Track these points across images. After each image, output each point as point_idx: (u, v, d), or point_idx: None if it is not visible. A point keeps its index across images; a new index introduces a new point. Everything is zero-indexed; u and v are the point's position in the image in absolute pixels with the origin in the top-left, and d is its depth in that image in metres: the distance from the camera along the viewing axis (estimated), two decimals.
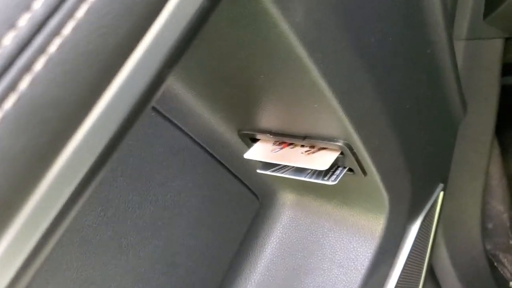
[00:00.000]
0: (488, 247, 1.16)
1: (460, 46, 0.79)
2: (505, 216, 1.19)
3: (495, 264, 1.14)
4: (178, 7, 0.20)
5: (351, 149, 0.41)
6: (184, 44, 0.20)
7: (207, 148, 0.46)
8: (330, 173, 0.45)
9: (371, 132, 0.40)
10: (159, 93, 0.21)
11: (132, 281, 0.42)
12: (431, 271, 0.97)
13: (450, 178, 0.93)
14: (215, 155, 0.46)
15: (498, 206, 1.19)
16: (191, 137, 0.43)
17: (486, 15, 0.76)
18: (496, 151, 1.20)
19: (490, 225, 1.19)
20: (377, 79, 0.38)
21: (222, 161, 0.47)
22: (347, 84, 0.35)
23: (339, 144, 0.41)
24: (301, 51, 0.30)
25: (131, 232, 0.41)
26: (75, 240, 0.37)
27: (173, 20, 0.20)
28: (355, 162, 0.43)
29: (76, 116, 0.17)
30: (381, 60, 0.37)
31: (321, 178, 0.44)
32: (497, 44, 0.79)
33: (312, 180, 0.44)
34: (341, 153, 0.43)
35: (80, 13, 0.17)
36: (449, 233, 0.96)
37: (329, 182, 0.44)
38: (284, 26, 0.29)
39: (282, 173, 0.46)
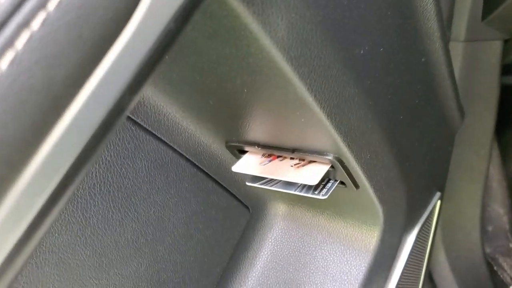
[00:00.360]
0: (488, 250, 1.14)
1: (458, 48, 0.77)
2: (505, 218, 1.18)
3: (495, 268, 1.12)
4: (139, 31, 0.18)
5: (341, 162, 0.40)
6: (147, 70, 0.19)
7: (194, 161, 0.44)
8: (321, 186, 0.43)
9: (362, 146, 0.38)
10: (121, 121, 0.19)
11: None
12: (429, 276, 0.96)
13: (449, 181, 0.91)
14: (202, 167, 0.45)
15: (498, 208, 1.18)
16: (175, 150, 0.42)
17: (484, 16, 0.74)
18: (496, 152, 1.18)
19: (489, 228, 1.17)
20: (368, 91, 0.36)
21: (209, 173, 0.46)
22: (335, 99, 0.33)
23: (329, 158, 0.39)
24: (285, 67, 0.29)
25: (112, 250, 0.39)
26: (51, 260, 0.36)
27: (134, 45, 0.18)
28: (346, 176, 0.41)
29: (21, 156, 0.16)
30: (372, 71, 0.36)
31: (311, 192, 0.43)
32: (496, 46, 0.78)
33: (302, 194, 0.43)
34: (332, 167, 0.41)
35: (20, 44, 0.15)
36: (448, 237, 0.95)
37: (320, 196, 0.42)
38: (266, 41, 0.27)
39: (271, 186, 0.44)
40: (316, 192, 0.42)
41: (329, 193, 0.42)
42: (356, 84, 0.34)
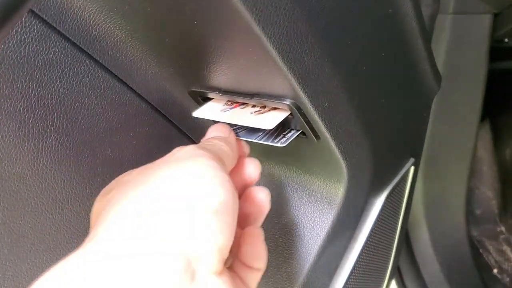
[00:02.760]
0: (475, 233, 1.14)
1: (446, 21, 0.76)
2: (494, 202, 1.17)
3: (480, 250, 1.12)
4: None
5: (299, 109, 0.40)
6: None
7: (155, 106, 0.44)
8: (281, 136, 0.43)
9: (318, 91, 0.38)
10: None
11: (66, 235, 0.41)
12: (410, 253, 0.96)
13: (434, 159, 0.91)
14: (163, 112, 0.45)
15: (487, 192, 1.17)
16: (135, 92, 0.42)
17: None
18: (488, 136, 1.18)
19: (478, 211, 1.17)
20: (322, 32, 0.36)
21: (171, 119, 0.46)
22: (285, 34, 0.33)
23: (287, 103, 0.39)
24: None
25: (66, 186, 0.39)
26: (1, 189, 0.36)
27: None
28: (305, 124, 0.41)
29: None
30: (326, 11, 0.35)
31: (271, 140, 0.42)
32: (486, 20, 0.77)
33: (262, 142, 0.43)
34: (291, 114, 0.41)
35: None
36: (431, 215, 0.94)
37: (278, 144, 0.42)
38: None
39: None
40: (276, 141, 0.42)
41: (287, 142, 0.42)
42: (308, 21, 0.34)
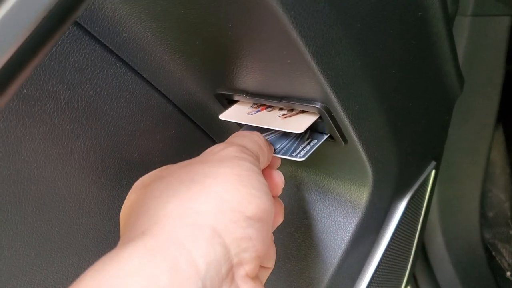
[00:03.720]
0: (487, 236, 1.13)
1: (465, 23, 0.75)
2: (506, 205, 1.16)
3: (493, 253, 1.11)
4: None
5: (329, 112, 0.39)
6: None
7: (181, 108, 0.44)
8: (300, 148, 0.42)
9: (350, 95, 0.38)
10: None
11: (92, 238, 0.40)
12: (424, 255, 0.95)
13: (449, 162, 0.90)
14: (189, 115, 0.44)
15: (500, 194, 1.16)
16: (162, 94, 0.41)
17: None
18: (501, 139, 1.17)
19: (490, 214, 1.16)
20: (357, 35, 0.35)
21: (197, 122, 0.45)
22: (321, 37, 0.32)
23: (317, 106, 0.39)
24: None
25: (92, 189, 0.39)
26: (30, 192, 0.35)
27: None
28: (334, 128, 0.41)
29: None
30: (362, 15, 0.35)
31: (289, 154, 0.41)
32: (504, 22, 0.76)
33: (280, 156, 0.42)
34: (320, 118, 0.41)
35: None
36: (445, 218, 0.94)
37: (297, 159, 0.41)
38: None
39: (266, 138, 0.43)
40: (294, 154, 0.41)
41: (306, 156, 0.41)
42: (344, 25, 0.33)
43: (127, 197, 0.33)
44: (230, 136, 0.39)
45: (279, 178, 0.40)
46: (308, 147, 0.42)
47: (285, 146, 0.42)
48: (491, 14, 0.75)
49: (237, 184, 0.30)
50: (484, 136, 0.89)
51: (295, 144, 0.42)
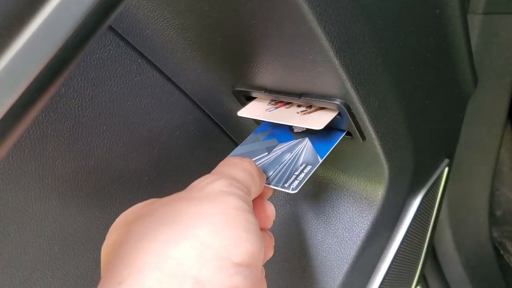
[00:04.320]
0: (495, 234, 1.13)
1: (475, 21, 0.76)
2: None
3: (501, 252, 1.12)
4: None
5: (349, 109, 0.39)
6: None
7: (200, 105, 0.44)
8: (293, 177, 0.39)
9: (370, 91, 0.38)
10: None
11: None
12: (433, 254, 0.95)
13: (459, 160, 0.90)
14: (208, 112, 0.45)
15: (508, 193, 1.16)
16: (182, 91, 0.41)
17: None
18: (509, 137, 1.17)
19: (498, 213, 1.16)
20: (379, 32, 0.35)
21: (215, 119, 0.46)
22: (344, 34, 0.33)
23: (336, 102, 0.39)
24: None
25: (115, 184, 0.39)
26: (55, 188, 0.36)
27: None
28: (353, 124, 0.41)
29: None
30: (384, 12, 0.35)
31: (281, 184, 0.38)
32: None
33: (271, 186, 0.39)
34: (339, 114, 0.41)
35: None
36: (454, 216, 0.94)
37: (290, 190, 0.38)
38: None
39: (257, 164, 0.41)
40: (287, 185, 0.38)
41: (300, 186, 0.38)
42: (366, 22, 0.34)
43: (108, 233, 0.30)
44: (220, 164, 0.35)
45: (270, 210, 0.37)
46: (302, 175, 0.39)
47: (277, 173, 0.40)
48: (503, 12, 0.75)
49: (223, 226, 0.27)
50: (493, 134, 0.89)
51: (288, 171, 0.40)
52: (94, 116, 0.36)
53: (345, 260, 0.50)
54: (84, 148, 0.36)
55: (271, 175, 0.39)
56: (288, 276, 0.53)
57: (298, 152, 0.42)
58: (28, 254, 0.37)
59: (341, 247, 0.51)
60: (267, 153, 0.42)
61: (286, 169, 0.40)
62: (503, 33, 0.77)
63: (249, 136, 0.44)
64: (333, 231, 0.51)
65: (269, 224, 0.37)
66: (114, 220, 0.40)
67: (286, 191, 0.37)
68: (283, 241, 0.53)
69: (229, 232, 0.27)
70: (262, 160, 0.41)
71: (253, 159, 0.40)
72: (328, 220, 0.52)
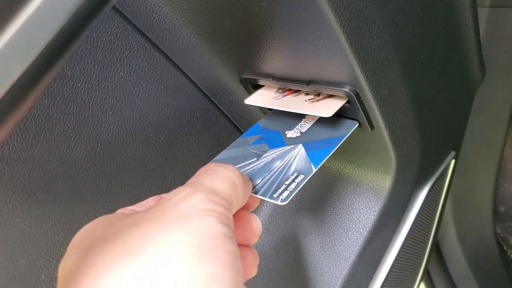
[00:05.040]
0: (498, 230, 1.13)
1: (482, 14, 0.75)
2: None
3: (505, 248, 1.11)
4: None
5: (358, 96, 0.39)
6: None
7: (207, 93, 0.43)
8: (284, 187, 0.35)
9: (380, 78, 0.37)
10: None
11: None
12: (437, 249, 0.95)
13: (463, 154, 0.90)
14: (214, 100, 0.44)
15: (511, 189, 1.16)
16: (189, 77, 0.41)
17: None
18: None
19: (502, 209, 1.16)
20: (390, 17, 0.35)
21: (221, 107, 0.45)
22: (356, 18, 0.32)
23: (346, 90, 0.38)
24: None
25: (121, 171, 0.39)
26: (59, 172, 0.35)
27: None
28: (362, 113, 0.40)
29: None
30: None
31: (269, 194, 0.34)
32: None
33: (258, 196, 0.35)
34: (348, 102, 0.40)
35: None
36: (458, 211, 0.93)
37: (279, 202, 0.34)
38: None
39: (244, 171, 0.37)
40: (275, 196, 0.34)
41: (289, 198, 0.34)
42: (378, 6, 0.33)
43: (67, 251, 0.27)
44: (198, 172, 0.31)
45: (256, 225, 0.33)
46: (293, 185, 0.35)
47: (266, 182, 0.36)
48: (509, 5, 0.75)
49: (196, 263, 0.23)
50: (498, 129, 0.88)
51: (278, 180, 0.36)
52: (101, 101, 0.35)
53: (351, 251, 0.50)
54: (90, 133, 0.36)
55: (259, 183, 0.35)
56: (294, 266, 0.52)
57: (290, 159, 0.38)
58: (33, 240, 0.36)
59: (347, 238, 0.50)
60: (255, 159, 0.38)
61: (276, 178, 0.36)
62: (510, 27, 0.77)
63: (237, 140, 0.41)
64: (340, 222, 0.51)
65: (254, 240, 0.33)
66: (119, 207, 0.40)
67: (275, 202, 0.34)
68: (288, 231, 0.53)
69: (201, 269, 0.23)
70: (250, 166, 0.38)
71: (240, 165, 0.37)
72: (334, 211, 0.51)
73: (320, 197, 0.52)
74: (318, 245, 0.51)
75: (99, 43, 0.34)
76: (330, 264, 0.50)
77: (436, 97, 0.48)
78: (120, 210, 0.29)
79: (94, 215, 0.39)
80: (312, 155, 0.38)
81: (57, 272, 0.37)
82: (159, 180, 0.42)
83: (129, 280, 0.22)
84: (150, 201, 0.31)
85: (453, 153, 0.60)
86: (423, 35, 0.40)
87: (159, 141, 0.40)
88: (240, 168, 0.37)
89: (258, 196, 0.34)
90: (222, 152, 0.39)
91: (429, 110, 0.47)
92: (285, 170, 0.37)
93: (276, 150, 0.39)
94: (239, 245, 0.30)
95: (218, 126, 0.46)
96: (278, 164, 0.38)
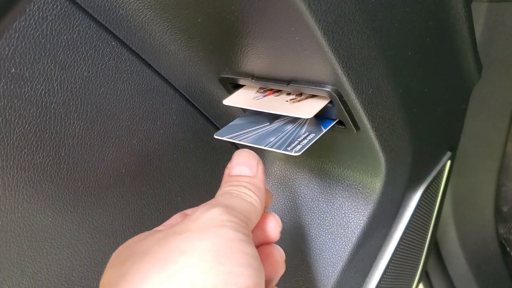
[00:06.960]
0: (501, 231, 1.10)
1: (481, 9, 0.72)
2: None
3: (508, 249, 1.08)
4: None
5: (340, 96, 0.36)
6: None
7: (183, 93, 0.41)
8: (296, 142, 0.38)
9: (363, 77, 0.35)
10: None
11: (89, 229, 0.38)
12: (437, 251, 0.92)
13: (463, 154, 0.87)
14: (191, 100, 0.42)
15: None
16: (163, 77, 0.39)
17: None
18: None
19: (505, 209, 1.13)
20: (371, 12, 0.33)
21: (200, 108, 0.43)
22: (332, 12, 0.30)
23: (327, 90, 0.36)
24: None
25: (89, 177, 0.37)
26: (20, 179, 0.33)
27: None
28: (345, 113, 0.38)
29: None
30: None
31: (283, 147, 0.37)
32: None
33: (273, 149, 0.37)
34: (330, 102, 0.38)
35: None
36: (459, 213, 0.91)
37: (292, 153, 0.36)
38: None
39: (240, 140, 0.40)
40: (289, 148, 0.37)
41: (302, 150, 0.36)
42: (358, 1, 0.31)
43: (105, 270, 0.29)
44: (219, 191, 0.34)
45: (273, 224, 0.35)
46: (305, 141, 0.37)
47: (280, 139, 0.38)
48: (509, 0, 0.72)
49: (214, 262, 0.26)
50: (499, 127, 0.86)
51: (290, 138, 0.38)
52: (64, 103, 0.33)
53: (339, 257, 0.48)
54: (53, 137, 0.34)
55: (273, 140, 0.38)
56: None
57: (301, 123, 0.40)
58: None
59: (335, 244, 0.48)
60: (268, 123, 0.41)
61: (289, 136, 0.39)
62: (510, 22, 0.74)
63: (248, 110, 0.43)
64: (327, 227, 0.49)
65: (275, 237, 0.35)
66: (89, 215, 0.38)
67: (289, 153, 0.36)
68: None
69: (220, 268, 0.26)
70: (263, 129, 0.40)
71: (253, 129, 0.40)
72: (322, 215, 0.49)
73: (307, 201, 0.49)
74: (305, 252, 0.49)
75: (59, 41, 0.32)
76: (317, 271, 0.48)
77: (427, 96, 0.45)
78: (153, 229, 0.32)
79: (61, 224, 0.37)
80: (321, 120, 0.41)
81: (22, 283, 0.35)
82: (132, 186, 0.39)
83: (160, 284, 0.25)
84: (177, 218, 0.33)
85: (449, 153, 0.57)
86: (410, 30, 0.38)
87: (131, 144, 0.38)
88: (254, 130, 0.40)
89: (273, 149, 0.37)
90: (236, 119, 0.42)
91: (420, 109, 0.45)
92: (297, 130, 0.39)
93: (288, 117, 0.41)
94: (262, 244, 0.35)
95: (197, 128, 0.43)
96: (289, 127, 0.40)
